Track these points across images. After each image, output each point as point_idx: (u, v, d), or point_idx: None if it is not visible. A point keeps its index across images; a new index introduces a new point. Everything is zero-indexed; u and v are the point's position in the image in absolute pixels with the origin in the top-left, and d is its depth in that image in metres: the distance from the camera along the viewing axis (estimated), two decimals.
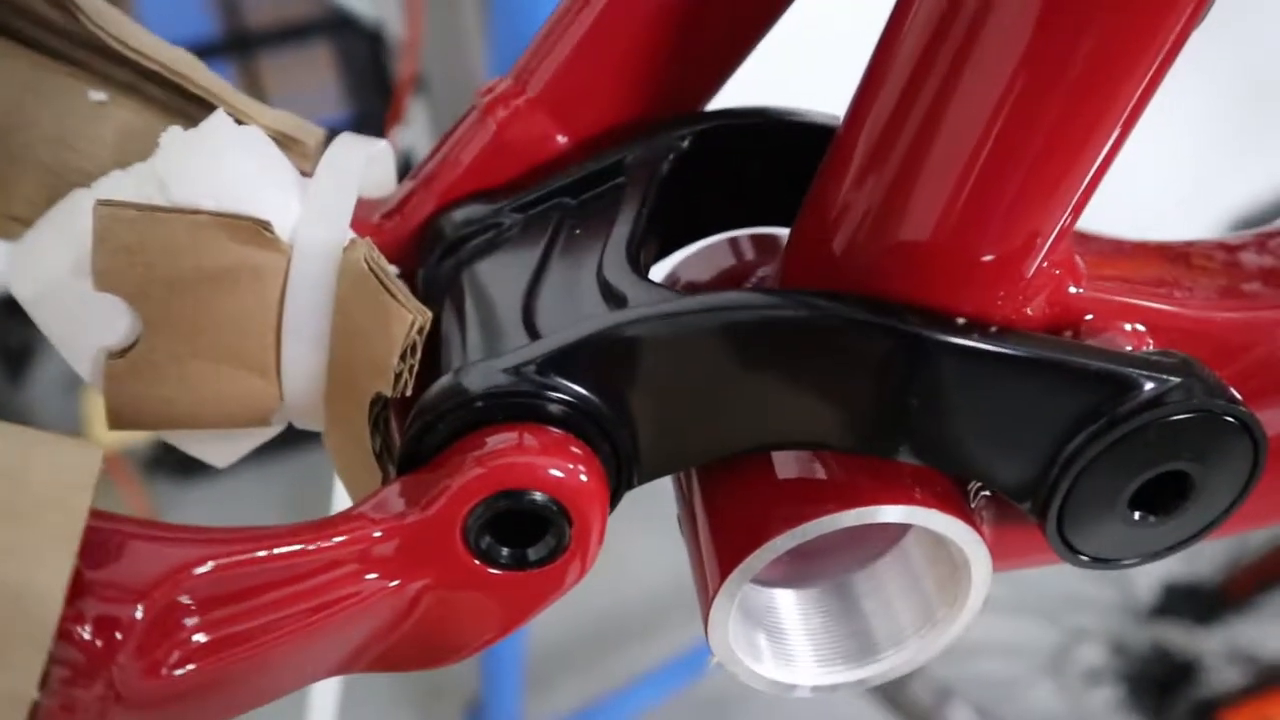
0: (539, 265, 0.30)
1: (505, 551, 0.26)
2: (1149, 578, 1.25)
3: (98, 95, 0.32)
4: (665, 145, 0.32)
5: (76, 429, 1.46)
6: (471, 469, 0.25)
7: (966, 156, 0.26)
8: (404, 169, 0.34)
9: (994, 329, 0.28)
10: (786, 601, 0.33)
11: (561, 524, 0.26)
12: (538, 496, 0.26)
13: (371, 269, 0.28)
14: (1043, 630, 1.25)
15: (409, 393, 0.28)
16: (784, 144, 0.32)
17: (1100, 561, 0.30)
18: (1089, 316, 0.29)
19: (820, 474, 0.29)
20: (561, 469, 0.26)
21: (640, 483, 0.28)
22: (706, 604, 0.29)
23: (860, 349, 0.27)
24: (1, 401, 1.50)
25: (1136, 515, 0.29)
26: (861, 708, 1.26)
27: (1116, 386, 0.27)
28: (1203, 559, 1.21)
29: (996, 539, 0.30)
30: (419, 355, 0.28)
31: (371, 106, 1.66)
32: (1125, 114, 0.26)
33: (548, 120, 0.32)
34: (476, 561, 0.26)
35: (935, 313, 0.28)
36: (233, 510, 1.41)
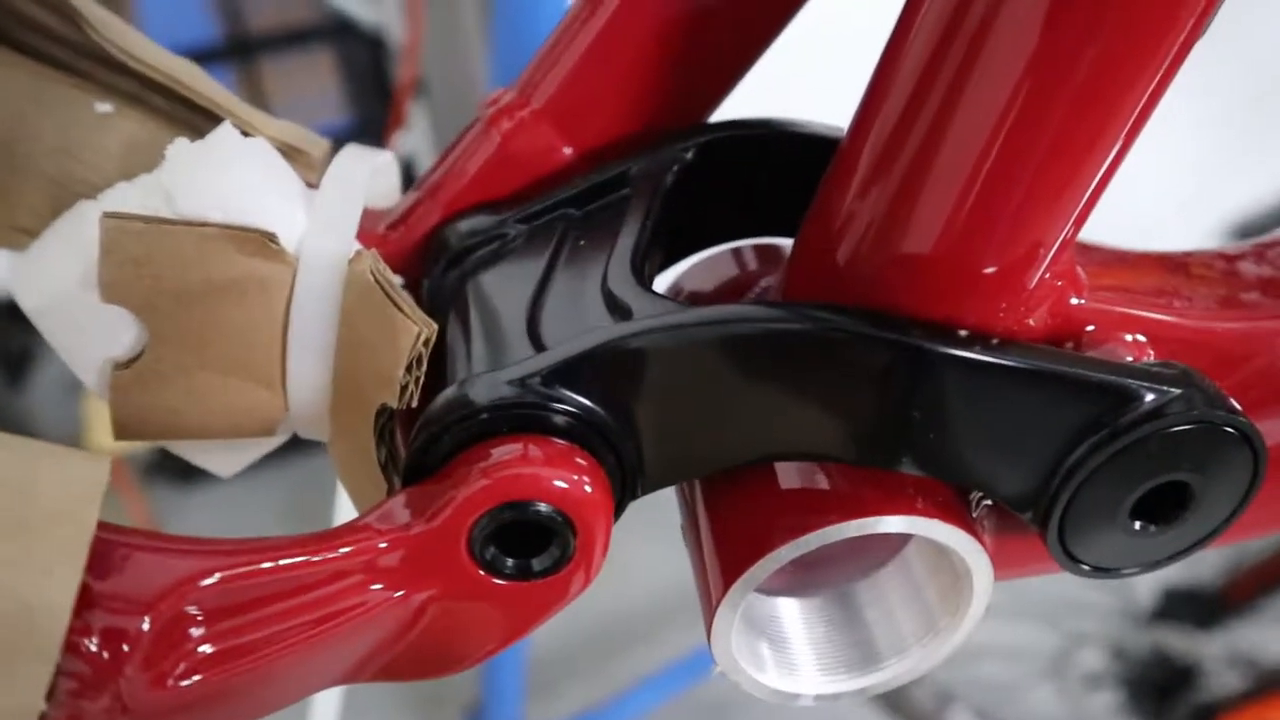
0: (544, 277, 0.30)
1: (510, 562, 0.26)
2: (1149, 582, 1.25)
3: (103, 106, 0.32)
4: (669, 157, 0.32)
5: (76, 434, 1.46)
6: (477, 480, 0.25)
7: (970, 168, 0.26)
8: (405, 175, 0.35)
9: (996, 341, 0.28)
10: (789, 610, 0.33)
11: (566, 535, 0.26)
12: (542, 507, 0.26)
13: (377, 281, 0.28)
14: (1043, 634, 1.25)
15: (414, 404, 0.28)
16: (787, 156, 0.32)
17: (1101, 571, 0.30)
18: (1090, 328, 0.30)
19: (823, 485, 0.29)
20: (566, 480, 0.26)
21: (644, 493, 0.28)
22: (710, 613, 0.30)
23: (863, 361, 0.27)
24: (1, 406, 1.50)
25: (1137, 525, 0.29)
26: (863, 712, 1.26)
27: (1118, 398, 0.27)
28: (1203, 564, 1.21)
29: (998, 548, 0.30)
30: (424, 367, 0.28)
31: (372, 111, 1.66)
32: (1129, 124, 0.26)
33: (552, 132, 0.33)
34: (481, 572, 0.26)
35: (938, 325, 0.28)
36: (234, 517, 1.41)
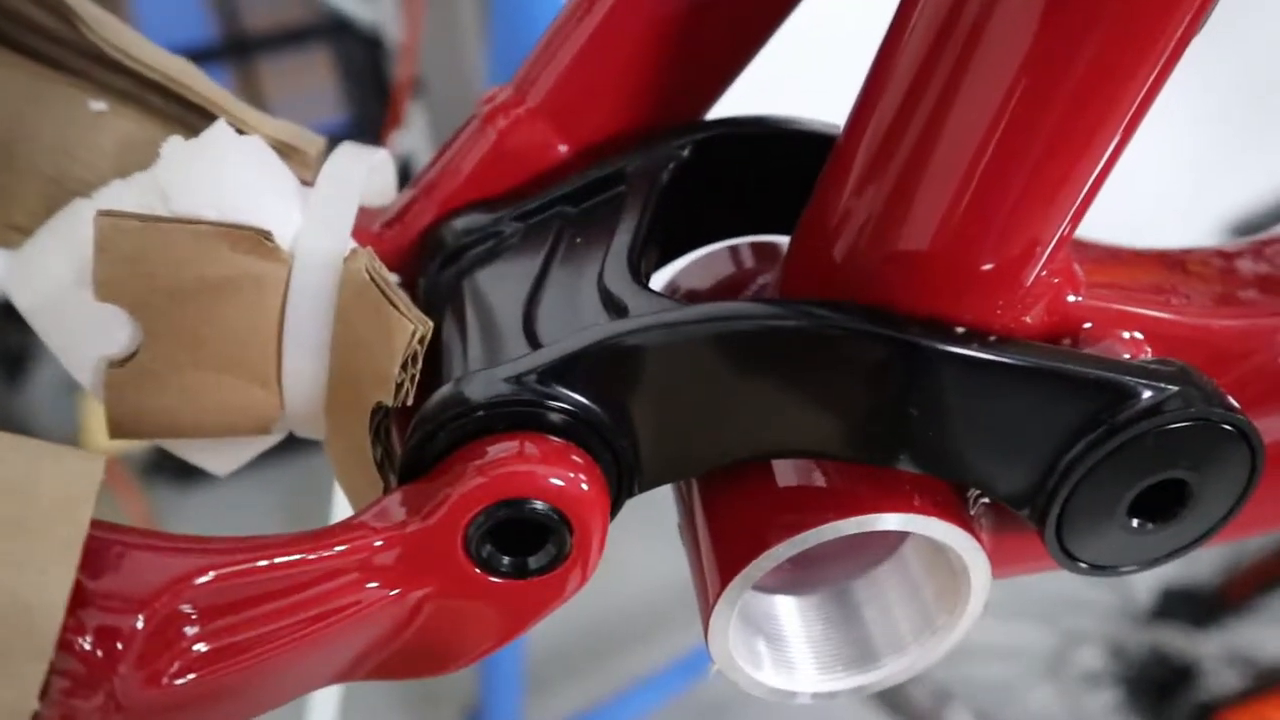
0: (539, 274, 0.30)
1: (506, 560, 0.26)
2: (1147, 581, 1.25)
3: (98, 105, 0.32)
4: (666, 154, 0.32)
5: (73, 433, 1.46)
6: (473, 478, 0.25)
7: (966, 165, 0.26)
8: (403, 173, 0.34)
9: (993, 338, 0.28)
10: (787, 608, 0.33)
11: (562, 532, 0.26)
12: (539, 505, 0.26)
13: (373, 279, 0.28)
14: (1041, 633, 1.25)
15: (410, 402, 0.28)
16: (784, 153, 0.32)
17: (1099, 569, 0.30)
18: (1087, 325, 0.30)
19: (820, 482, 0.29)
20: (562, 478, 0.26)
21: (641, 491, 0.28)
22: (707, 611, 0.30)
23: (860, 358, 0.27)
24: None
25: (1135, 523, 0.29)
26: (861, 710, 1.26)
27: (1115, 395, 0.27)
28: (1201, 562, 1.21)
29: (995, 546, 0.30)
30: (420, 365, 0.28)
31: (370, 110, 1.66)
32: (1125, 121, 0.26)
33: (548, 129, 0.33)
34: (477, 570, 0.26)
35: (935, 322, 0.28)
36: (231, 517, 1.41)
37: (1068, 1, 0.24)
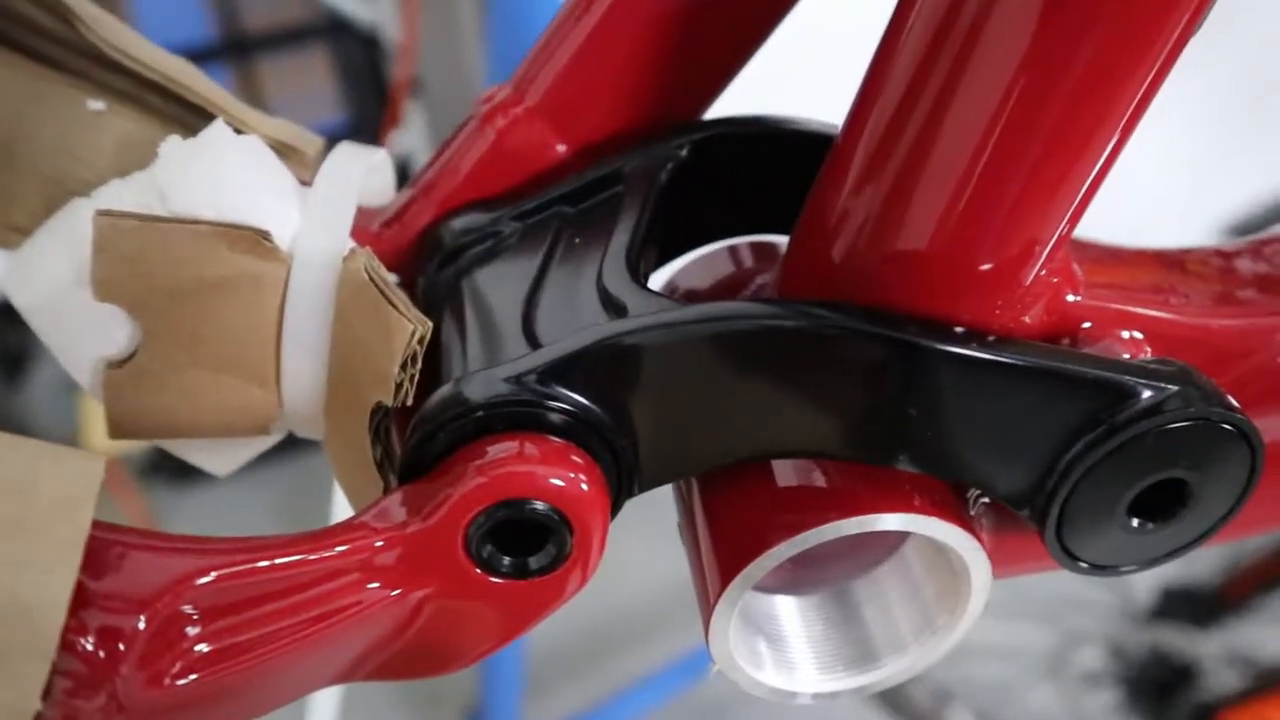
0: (538, 274, 0.30)
1: (506, 560, 0.26)
2: (1147, 580, 1.26)
3: (96, 104, 0.32)
4: (664, 154, 0.32)
5: (72, 433, 1.46)
6: (473, 478, 0.25)
7: (965, 164, 0.26)
8: (401, 174, 0.34)
9: (992, 338, 0.28)
10: (787, 609, 0.33)
11: (563, 533, 0.26)
12: (539, 505, 0.26)
13: (372, 278, 0.28)
14: (1041, 633, 1.25)
15: (409, 402, 0.28)
16: (782, 152, 0.32)
17: (1099, 568, 0.30)
18: (1086, 324, 0.30)
19: (820, 482, 0.29)
20: (562, 478, 0.26)
21: (641, 491, 0.28)
22: (707, 612, 0.30)
23: (859, 358, 0.27)
24: None
25: (1135, 522, 0.29)
26: (861, 710, 1.26)
27: (1114, 394, 0.27)
28: (1201, 562, 1.21)
29: (995, 546, 0.30)
30: (419, 364, 0.28)
31: (368, 110, 1.66)
32: (1123, 120, 0.26)
33: (547, 129, 0.33)
34: (478, 570, 0.26)
35: (934, 321, 0.28)
36: (230, 517, 1.41)
37: (1066, 1, 0.24)
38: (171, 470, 1.54)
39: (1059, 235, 0.28)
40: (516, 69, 0.34)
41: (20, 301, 0.30)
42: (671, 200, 0.32)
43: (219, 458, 0.33)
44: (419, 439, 0.26)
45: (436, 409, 0.26)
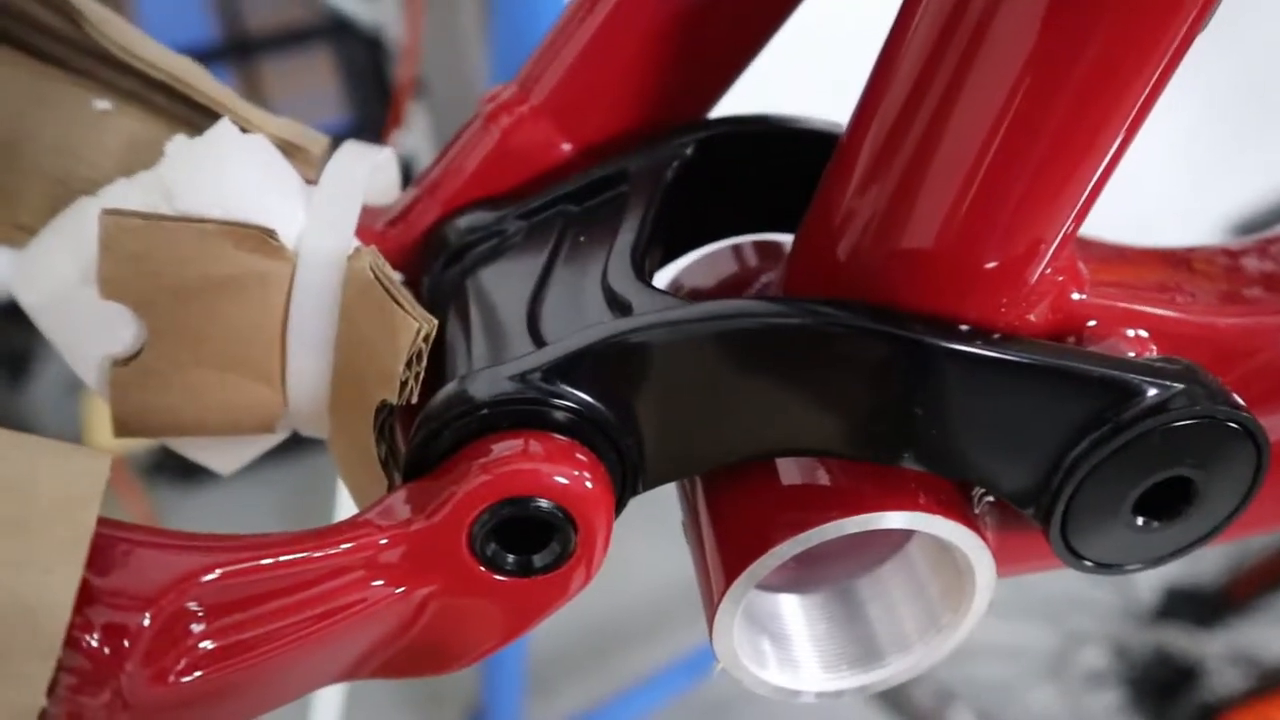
0: (543, 272, 0.30)
1: (511, 558, 0.26)
2: (1150, 580, 1.25)
3: (102, 104, 0.32)
4: (669, 153, 0.32)
5: (77, 432, 1.46)
6: (477, 476, 0.25)
7: (970, 163, 0.26)
8: (404, 175, 0.34)
9: (997, 336, 0.28)
10: (791, 607, 0.33)
11: (567, 531, 0.26)
12: (543, 503, 0.26)
13: (377, 277, 0.28)
14: (1044, 633, 1.25)
15: (414, 400, 0.28)
16: (787, 151, 0.32)
17: (1104, 567, 0.30)
18: (1092, 323, 0.30)
19: (824, 480, 0.29)
20: (567, 476, 0.26)
21: (645, 489, 0.28)
22: (711, 610, 0.30)
23: (864, 356, 0.27)
24: (2, 405, 1.50)
25: (1140, 521, 0.29)
26: (864, 710, 1.26)
27: (1120, 393, 0.27)
28: (1204, 562, 1.21)
29: (1000, 544, 0.30)
30: (424, 363, 0.28)
31: (371, 111, 1.66)
32: (1129, 119, 0.26)
33: (552, 128, 0.33)
34: (482, 568, 0.26)
35: (939, 320, 0.28)
36: (234, 516, 1.41)
37: (1072, 1, 0.24)
38: (176, 469, 1.54)
39: (1064, 233, 0.28)
40: (521, 68, 0.34)
41: (26, 300, 0.30)
42: (676, 199, 0.32)
43: (224, 456, 0.33)
44: (423, 437, 0.26)
45: (441, 407, 0.26)
